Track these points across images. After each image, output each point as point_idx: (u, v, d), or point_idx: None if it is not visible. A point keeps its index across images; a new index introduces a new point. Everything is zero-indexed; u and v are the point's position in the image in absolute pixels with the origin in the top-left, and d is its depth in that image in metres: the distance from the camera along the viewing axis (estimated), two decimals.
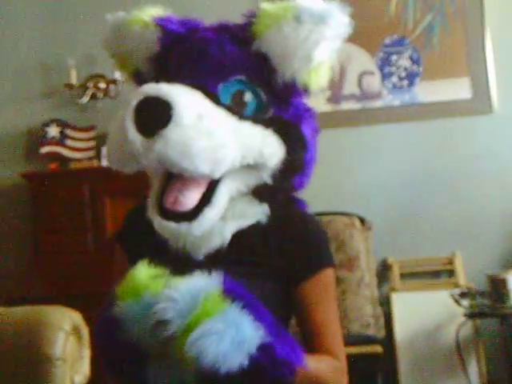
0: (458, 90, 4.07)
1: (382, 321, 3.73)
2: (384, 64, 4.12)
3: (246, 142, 1.38)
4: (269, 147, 1.41)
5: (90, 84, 4.17)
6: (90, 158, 4.06)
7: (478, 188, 4.02)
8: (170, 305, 1.22)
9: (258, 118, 1.43)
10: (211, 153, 1.31)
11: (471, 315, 3.60)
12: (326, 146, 4.10)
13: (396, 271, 3.93)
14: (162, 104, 1.29)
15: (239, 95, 1.45)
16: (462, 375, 3.67)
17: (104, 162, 3.96)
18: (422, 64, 4.10)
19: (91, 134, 4.13)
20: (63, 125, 4.15)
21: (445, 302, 3.66)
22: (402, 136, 4.09)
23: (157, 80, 1.41)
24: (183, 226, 1.35)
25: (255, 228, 1.46)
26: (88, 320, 2.66)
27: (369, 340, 3.57)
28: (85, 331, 2.60)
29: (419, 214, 3.99)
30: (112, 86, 4.14)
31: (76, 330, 2.55)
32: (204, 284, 1.25)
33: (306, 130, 1.50)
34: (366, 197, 4.03)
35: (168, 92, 1.31)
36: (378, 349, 3.49)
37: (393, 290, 3.90)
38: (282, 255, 1.48)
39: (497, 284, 3.49)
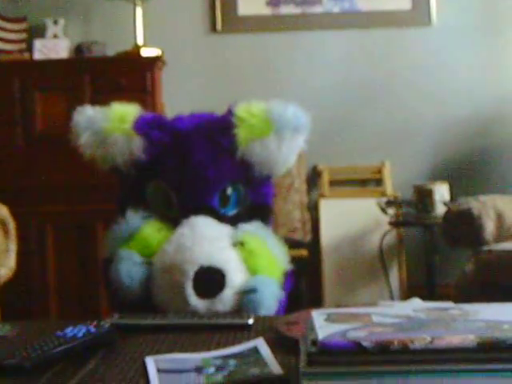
0: (398, 0, 4.06)
1: (309, 226, 3.80)
2: None
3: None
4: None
5: None
6: (21, 51, 3.93)
7: (411, 99, 4.06)
8: None
9: (239, 212, 1.86)
10: None
11: (396, 223, 3.70)
12: (263, 49, 4.09)
13: (325, 178, 3.98)
14: (217, 273, 1.62)
15: (223, 191, 1.84)
16: (384, 280, 3.80)
17: (35, 56, 3.85)
18: None
19: (23, 25, 4.00)
20: None
21: (371, 210, 3.75)
22: (339, 44, 4.08)
23: (141, 179, 1.81)
24: None
25: None
26: (16, 214, 2.64)
27: (295, 244, 3.63)
28: (11, 225, 2.58)
29: (351, 123, 4.03)
30: None
31: (2, 224, 2.53)
32: None
33: (270, 199, 2.00)
34: (300, 102, 4.01)
35: (219, 260, 1.64)
36: (304, 252, 3.57)
37: (321, 196, 3.96)
38: None
39: (423, 194, 3.57)
